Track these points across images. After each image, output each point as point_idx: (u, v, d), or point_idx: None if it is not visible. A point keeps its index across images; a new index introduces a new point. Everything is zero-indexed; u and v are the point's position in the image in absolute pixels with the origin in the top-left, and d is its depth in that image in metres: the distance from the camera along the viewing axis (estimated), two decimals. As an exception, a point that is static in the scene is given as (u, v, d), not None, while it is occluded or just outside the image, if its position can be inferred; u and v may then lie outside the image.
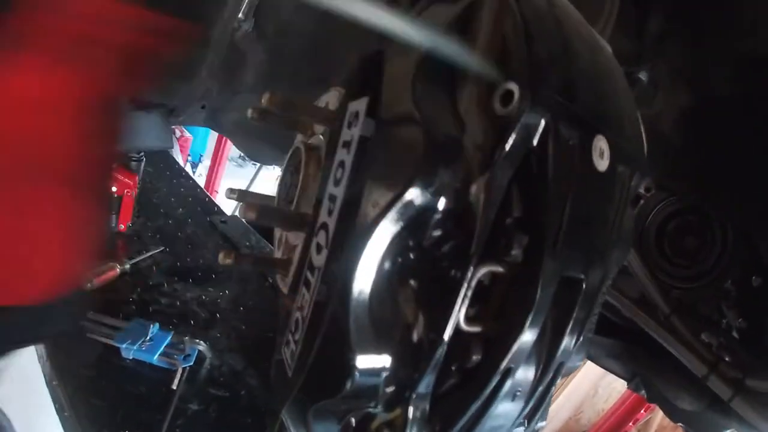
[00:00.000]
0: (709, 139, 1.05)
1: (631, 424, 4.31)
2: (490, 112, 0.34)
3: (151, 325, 1.36)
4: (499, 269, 0.34)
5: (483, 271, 0.33)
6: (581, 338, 0.43)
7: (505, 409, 0.38)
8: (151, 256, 1.82)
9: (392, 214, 0.34)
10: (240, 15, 1.50)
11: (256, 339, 1.54)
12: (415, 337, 0.35)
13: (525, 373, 0.37)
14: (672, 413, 1.36)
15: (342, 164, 0.42)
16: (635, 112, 0.45)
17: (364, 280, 0.35)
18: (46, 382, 1.30)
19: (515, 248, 0.33)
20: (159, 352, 1.31)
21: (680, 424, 1.36)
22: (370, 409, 0.37)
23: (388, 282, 0.36)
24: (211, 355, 1.40)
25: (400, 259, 0.36)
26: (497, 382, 0.34)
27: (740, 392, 1.01)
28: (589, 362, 4.26)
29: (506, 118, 0.32)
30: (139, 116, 1.58)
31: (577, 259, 0.36)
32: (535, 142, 0.33)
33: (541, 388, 0.40)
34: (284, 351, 0.46)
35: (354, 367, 0.35)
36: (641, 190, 1.28)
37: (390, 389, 0.36)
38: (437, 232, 0.35)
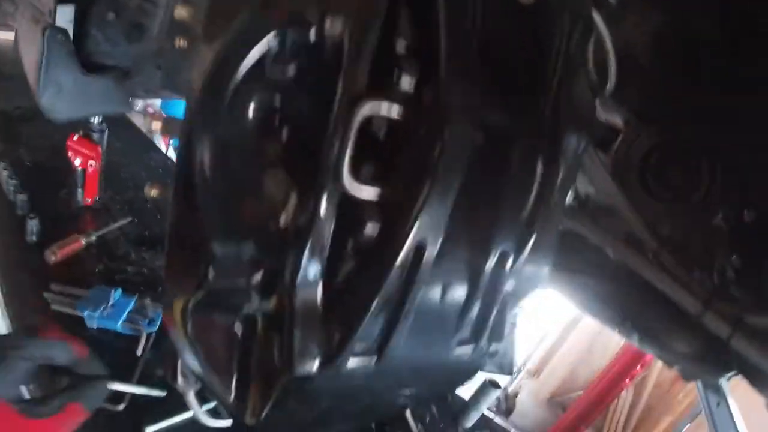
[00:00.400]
0: (687, 64, 0.98)
1: (627, 380, 4.33)
2: None
3: (113, 291, 1.29)
4: (388, 110, 0.26)
5: (365, 109, 0.26)
6: (539, 228, 0.36)
7: (432, 306, 0.30)
8: (119, 227, 1.75)
9: (230, 42, 0.26)
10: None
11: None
12: (283, 218, 0.28)
13: (455, 260, 0.30)
14: (667, 357, 1.31)
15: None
16: None
17: (212, 119, 0.27)
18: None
19: (404, 77, 0.26)
20: (123, 319, 1.25)
21: (676, 367, 1.31)
22: (250, 312, 0.31)
23: (253, 133, 0.28)
24: (179, 322, 1.34)
25: (261, 105, 0.28)
26: (409, 263, 0.27)
27: (739, 329, 0.93)
28: (582, 322, 4.26)
29: None
30: (92, 80, 1.49)
31: (498, 102, 0.28)
32: None
33: (483, 285, 0.33)
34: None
35: (214, 251, 0.28)
36: (620, 123, 1.19)
37: (258, 276, 0.29)
38: (295, 68, 0.27)
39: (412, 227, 0.27)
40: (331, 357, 0.29)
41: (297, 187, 0.29)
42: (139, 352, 1.22)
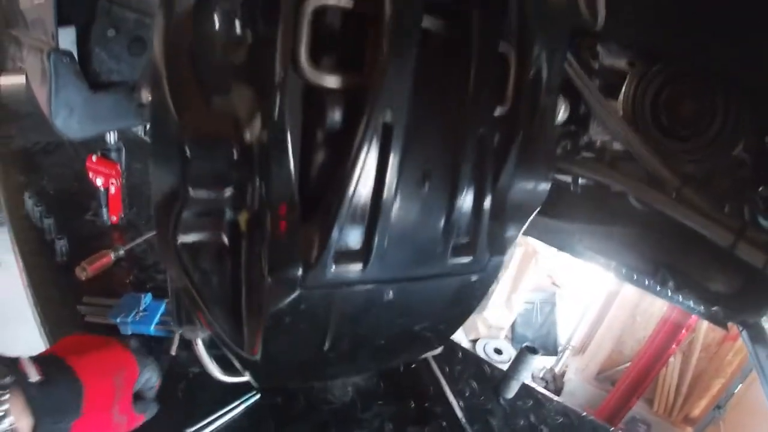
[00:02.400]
0: None
1: (674, 346, 4.22)
2: None
3: (143, 296, 1.32)
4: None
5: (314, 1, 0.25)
6: (531, 144, 0.35)
7: (412, 200, 0.29)
8: (146, 240, 1.78)
9: None
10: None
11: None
12: (248, 134, 0.28)
13: (428, 146, 0.29)
14: (706, 299, 1.26)
15: None
16: None
17: (175, 27, 0.27)
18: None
19: None
20: (155, 322, 1.27)
21: (717, 309, 1.26)
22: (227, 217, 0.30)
23: (219, 40, 0.28)
24: (210, 320, 1.36)
25: (224, 14, 0.28)
26: (379, 146, 0.26)
27: None
28: (621, 294, 4.15)
29: None
30: (101, 97, 1.53)
31: None
32: None
33: (469, 178, 0.32)
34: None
35: (186, 163, 0.28)
36: (625, 67, 1.15)
37: (230, 191, 0.29)
38: None
39: (375, 108, 0.26)
40: (312, 260, 0.28)
41: (262, 96, 0.29)
42: (173, 352, 1.23)
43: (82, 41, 1.49)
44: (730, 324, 1.48)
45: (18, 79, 3.21)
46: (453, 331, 0.47)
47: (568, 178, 1.35)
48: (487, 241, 0.37)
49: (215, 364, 0.49)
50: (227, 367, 0.57)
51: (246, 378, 0.44)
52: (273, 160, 0.28)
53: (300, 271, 0.29)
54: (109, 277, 1.56)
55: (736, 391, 3.91)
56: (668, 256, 1.24)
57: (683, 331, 4.09)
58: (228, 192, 0.32)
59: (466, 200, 0.32)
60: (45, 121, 3.16)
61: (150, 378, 0.90)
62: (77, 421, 0.66)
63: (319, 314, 0.33)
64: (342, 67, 0.27)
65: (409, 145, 0.28)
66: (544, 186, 0.43)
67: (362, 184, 0.27)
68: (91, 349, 0.78)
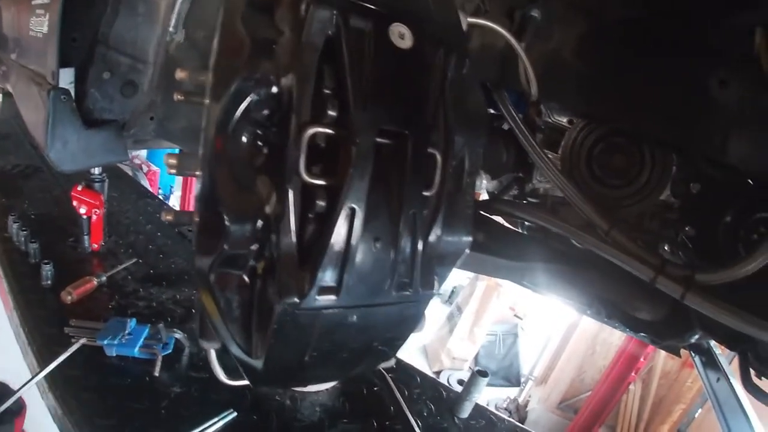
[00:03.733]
0: (613, 62, 1.10)
1: (633, 374, 4.40)
2: (297, 17, 0.46)
3: (129, 321, 1.42)
4: (325, 130, 0.42)
5: (309, 132, 0.42)
6: (455, 206, 0.51)
7: (368, 254, 0.45)
8: (125, 268, 1.88)
9: (228, 99, 0.43)
10: (171, 28, 1.59)
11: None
12: (268, 208, 0.44)
13: (378, 221, 0.45)
14: (633, 326, 1.41)
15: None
16: (447, 6, 0.54)
17: (222, 146, 0.43)
18: (40, 394, 1.36)
19: (330, 109, 0.42)
20: (139, 345, 1.37)
21: (643, 334, 1.42)
22: (252, 265, 0.45)
23: (246, 152, 0.43)
24: (189, 344, 1.47)
25: (251, 135, 0.44)
26: (347, 222, 0.42)
27: (691, 288, 1.00)
28: (581, 324, 4.28)
29: (304, 17, 0.45)
30: (93, 134, 1.64)
31: (390, 115, 0.44)
32: (330, 32, 0.45)
33: (406, 240, 0.47)
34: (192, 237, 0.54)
35: (228, 229, 0.43)
36: (563, 122, 1.33)
37: (255, 247, 0.44)
38: (267, 111, 0.44)
39: (344, 199, 0.42)
40: (304, 292, 0.43)
41: (276, 187, 0.45)
42: (156, 373, 1.33)
43: (78, 81, 1.61)
44: (685, 352, 1.63)
45: (-6, 98, 3.24)
46: (400, 346, 0.61)
47: (514, 221, 1.53)
48: (420, 280, 0.52)
49: (222, 369, 0.61)
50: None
51: (245, 381, 0.57)
52: (282, 229, 0.44)
53: (296, 300, 0.44)
54: (92, 301, 1.65)
55: (696, 415, 4.10)
56: (600, 289, 1.40)
57: (642, 359, 4.26)
58: (253, 247, 0.47)
59: (403, 254, 0.48)
60: (23, 143, 3.20)
61: None
62: None
63: (305, 331, 0.48)
64: (325, 171, 0.44)
65: (366, 221, 0.43)
66: (466, 239, 0.58)
67: (336, 245, 0.43)
68: None
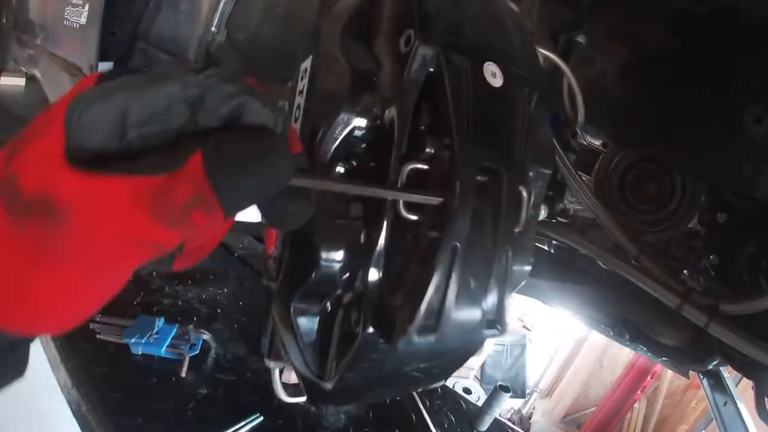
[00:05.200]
0: (651, 91, 1.12)
1: (639, 392, 4.38)
2: (397, 51, 0.47)
3: (157, 320, 1.43)
4: (422, 166, 0.43)
5: (408, 168, 0.43)
6: (522, 237, 0.52)
7: (466, 293, 0.46)
8: (150, 264, 1.90)
9: (331, 128, 0.44)
10: (213, 28, 1.60)
11: (257, 329, 1.62)
12: (362, 237, 0.45)
13: (475, 258, 0.46)
14: (656, 351, 1.42)
15: (299, 106, 0.52)
16: (529, 47, 0.55)
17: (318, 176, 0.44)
18: (61, 389, 1.37)
19: (428, 147, 0.44)
20: (166, 344, 1.39)
21: (664, 359, 1.43)
22: (338, 293, 0.47)
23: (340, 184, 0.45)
24: (215, 345, 1.48)
25: (346, 165, 0.46)
26: (449, 259, 0.43)
27: (715, 317, 1.03)
28: (590, 338, 4.28)
29: (407, 54, 0.46)
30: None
31: (489, 153, 0.45)
32: (431, 69, 0.46)
33: (497, 281, 0.49)
34: (269, 266, 0.55)
35: (319, 258, 0.45)
36: (598, 145, 1.34)
37: (345, 276, 0.46)
38: (365, 143, 0.45)
39: (449, 235, 0.43)
40: (405, 330, 0.44)
41: (369, 216, 0.47)
42: (183, 374, 1.35)
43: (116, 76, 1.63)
44: (692, 372, 1.64)
45: (17, 81, 3.17)
46: (454, 372, 0.63)
47: (543, 240, 1.53)
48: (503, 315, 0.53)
49: (282, 387, 0.62)
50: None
51: (303, 398, 0.58)
52: (374, 262, 0.45)
53: (395, 336, 0.45)
54: (117, 297, 1.65)
55: (699, 437, 4.09)
56: (625, 312, 1.41)
57: (648, 377, 4.25)
58: (344, 275, 0.48)
59: (494, 292, 0.49)
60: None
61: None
62: None
63: (380, 359, 0.49)
64: (418, 208, 0.45)
65: (464, 260, 0.45)
66: (528, 268, 0.60)
67: (437, 283, 0.44)
68: None
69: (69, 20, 1.75)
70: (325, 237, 0.46)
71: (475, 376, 5.20)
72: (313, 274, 0.46)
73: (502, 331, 0.51)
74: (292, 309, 0.49)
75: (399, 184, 0.43)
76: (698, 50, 1.02)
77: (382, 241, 0.45)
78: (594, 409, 4.63)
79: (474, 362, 5.11)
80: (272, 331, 0.57)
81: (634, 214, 1.31)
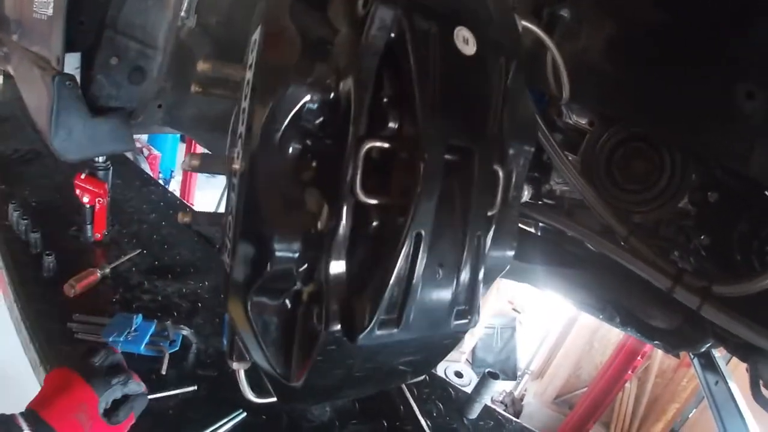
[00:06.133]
0: (639, 66, 1.08)
1: (630, 372, 4.41)
2: (354, 15, 0.42)
3: (135, 317, 1.39)
4: (383, 144, 0.39)
5: (366, 146, 0.38)
6: (502, 220, 0.48)
7: (432, 283, 0.42)
8: (129, 259, 1.85)
9: (279, 104, 0.39)
10: (182, 13, 1.54)
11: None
12: (319, 224, 0.40)
13: (443, 245, 0.42)
14: (647, 334, 1.40)
15: (248, 82, 0.47)
16: (507, 13, 0.51)
17: (267, 158, 0.39)
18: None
19: (391, 121, 0.39)
20: (145, 342, 1.34)
21: (656, 342, 1.41)
22: (296, 287, 0.42)
23: (294, 164, 0.40)
24: (196, 341, 1.44)
25: (299, 145, 0.41)
26: (412, 248, 0.39)
27: (708, 299, 1.01)
28: (580, 320, 4.30)
29: (365, 17, 0.41)
30: (99, 122, 1.60)
31: (458, 129, 0.40)
32: (393, 34, 0.41)
33: (468, 269, 0.44)
34: (225, 258, 0.51)
35: (272, 250, 0.40)
36: (585, 124, 1.30)
37: (303, 268, 0.41)
38: (320, 119, 0.40)
39: (411, 221, 0.39)
40: (364, 325, 0.40)
41: (326, 201, 0.42)
42: (163, 371, 1.31)
43: (85, 66, 1.56)
44: (682, 353, 1.63)
45: (-8, 80, 3.16)
46: (433, 368, 0.59)
47: (529, 223, 1.50)
48: (474, 305, 0.49)
49: (250, 388, 0.59)
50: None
51: (273, 399, 0.55)
52: (333, 252, 0.40)
53: (353, 332, 0.41)
54: (95, 294, 1.62)
55: (690, 415, 4.13)
56: (615, 295, 1.39)
57: (639, 357, 4.28)
58: (302, 268, 0.44)
59: (465, 280, 0.45)
60: (24, 127, 3.15)
61: (114, 391, 1.03)
62: None
63: (349, 358, 0.45)
64: (382, 190, 0.40)
65: (431, 246, 0.40)
66: (510, 253, 0.56)
67: (400, 273, 0.40)
68: (56, 395, 0.97)
69: (38, 12, 1.68)
70: (277, 226, 0.41)
71: (467, 359, 5.22)
72: (268, 268, 0.41)
73: (472, 321, 0.47)
74: (248, 306, 0.44)
75: (357, 163, 0.39)
76: (688, 24, 0.98)
77: (341, 229, 0.40)
78: (585, 389, 4.66)
79: (465, 346, 5.13)
80: (232, 332, 0.53)
81: (623, 193, 1.27)
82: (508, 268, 0.59)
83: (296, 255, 0.42)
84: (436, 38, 0.42)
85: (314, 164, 0.42)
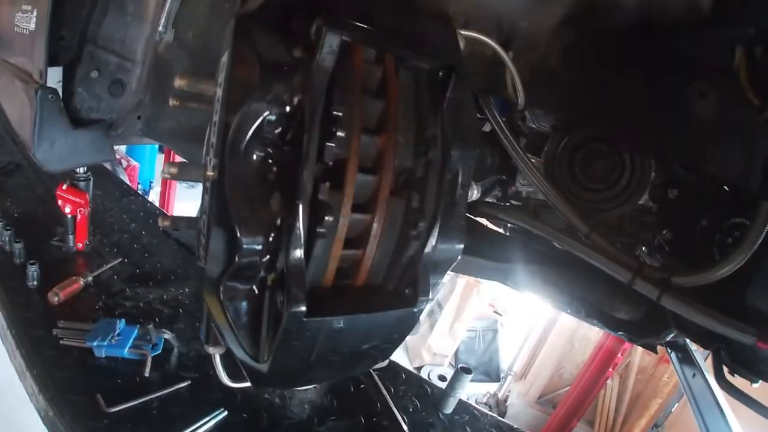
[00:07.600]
0: (594, 72, 1.14)
1: (611, 369, 4.49)
2: (307, 39, 0.50)
3: (117, 322, 1.43)
4: (335, 151, 0.46)
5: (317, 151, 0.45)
6: (450, 216, 0.54)
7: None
8: (111, 267, 1.88)
9: (244, 118, 0.46)
10: (160, 27, 1.58)
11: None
12: (279, 221, 0.47)
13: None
14: (612, 325, 1.47)
15: (219, 99, 0.53)
16: (448, 30, 0.57)
17: (234, 164, 0.45)
18: (29, 396, 1.36)
19: (339, 131, 0.46)
20: (128, 346, 1.38)
21: (621, 333, 1.48)
22: (262, 275, 0.48)
23: (257, 169, 0.46)
24: (178, 344, 1.48)
25: (261, 152, 0.47)
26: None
27: (667, 290, 1.05)
28: (560, 320, 4.35)
29: (315, 41, 0.48)
30: (80, 134, 1.64)
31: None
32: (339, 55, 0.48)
33: (409, 254, 0.51)
34: (200, 252, 0.57)
35: (239, 242, 0.46)
36: (547, 128, 1.36)
37: (266, 258, 0.47)
38: (279, 129, 0.47)
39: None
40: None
41: (286, 203, 0.48)
42: (146, 373, 1.35)
43: (66, 80, 1.60)
44: (661, 348, 1.69)
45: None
46: (396, 348, 0.65)
47: (497, 223, 1.57)
48: (420, 289, 0.55)
49: (225, 372, 0.64)
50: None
51: (247, 384, 0.60)
52: (292, 243, 0.46)
53: (304, 309, 0.47)
54: (79, 302, 1.65)
55: (673, 409, 4.22)
56: (580, 289, 1.45)
57: (619, 355, 4.35)
58: (265, 258, 0.50)
59: (406, 265, 0.52)
60: (4, 139, 3.14)
61: None
62: None
63: (310, 337, 0.51)
64: (333, 188, 0.47)
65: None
66: (459, 246, 0.62)
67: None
68: None
69: (19, 26, 1.71)
70: (243, 222, 0.47)
71: (450, 363, 5.27)
72: (236, 258, 0.47)
73: (419, 304, 0.53)
74: (221, 292, 0.50)
75: (311, 169, 0.45)
76: (643, 30, 1.04)
77: (299, 223, 0.46)
78: (568, 388, 4.73)
79: (447, 349, 5.19)
80: (208, 318, 0.59)
81: (585, 193, 1.34)
82: (459, 259, 0.65)
83: (260, 247, 0.48)
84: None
85: (275, 168, 0.49)
